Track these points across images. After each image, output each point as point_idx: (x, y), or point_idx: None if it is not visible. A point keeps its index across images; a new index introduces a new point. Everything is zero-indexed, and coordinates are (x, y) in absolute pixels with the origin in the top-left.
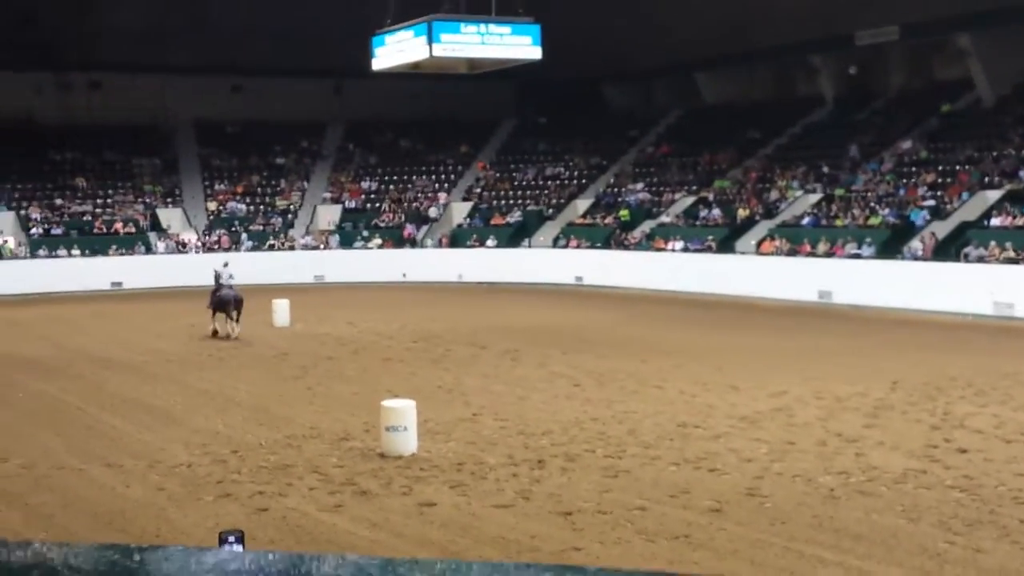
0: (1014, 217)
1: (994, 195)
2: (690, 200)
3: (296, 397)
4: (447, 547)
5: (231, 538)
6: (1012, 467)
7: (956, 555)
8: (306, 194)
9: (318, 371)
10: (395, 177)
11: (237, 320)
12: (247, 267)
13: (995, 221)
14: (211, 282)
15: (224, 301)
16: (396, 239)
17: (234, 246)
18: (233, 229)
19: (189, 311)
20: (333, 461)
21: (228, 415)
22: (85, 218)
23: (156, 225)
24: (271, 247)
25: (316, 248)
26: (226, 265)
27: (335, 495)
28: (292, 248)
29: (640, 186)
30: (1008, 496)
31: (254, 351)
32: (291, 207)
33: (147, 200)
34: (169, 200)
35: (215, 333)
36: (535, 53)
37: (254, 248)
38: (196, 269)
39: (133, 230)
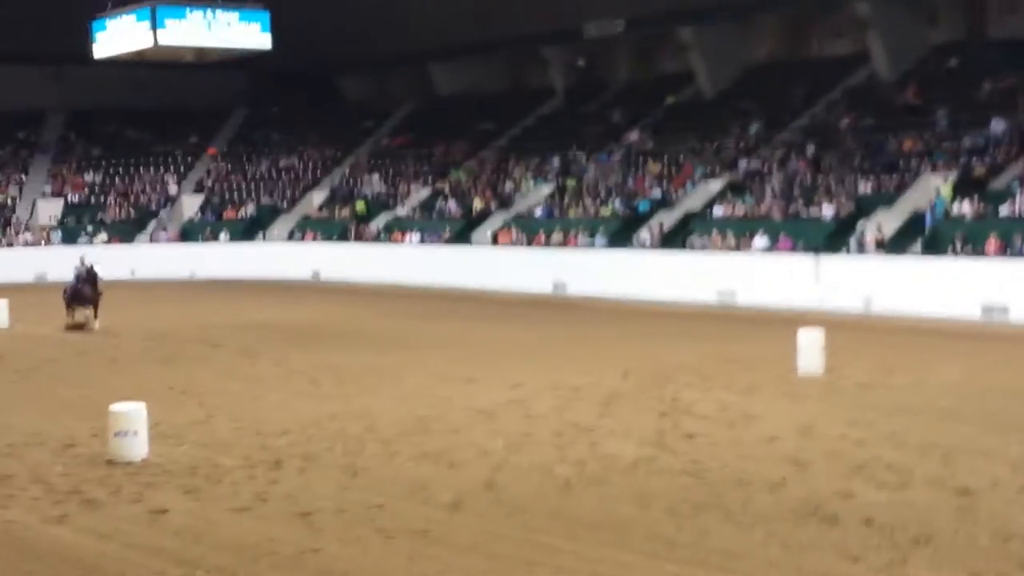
0: (735, 207)
1: (716, 185)
2: (426, 192)
3: (17, 403)
4: (181, 555)
5: None
6: (735, 450)
7: (684, 539)
8: (24, 188)
9: (40, 374)
10: (121, 169)
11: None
12: None
13: (718, 211)
14: None
15: None
16: (124, 234)
17: None
18: None
19: None
20: (58, 469)
21: None
22: None
23: None
24: None
25: (37, 245)
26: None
27: (60, 504)
28: (11, 245)
29: (376, 178)
30: (732, 479)
31: None
32: (8, 201)
33: None
34: None
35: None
36: (265, 41)
37: None
38: None
39: None
